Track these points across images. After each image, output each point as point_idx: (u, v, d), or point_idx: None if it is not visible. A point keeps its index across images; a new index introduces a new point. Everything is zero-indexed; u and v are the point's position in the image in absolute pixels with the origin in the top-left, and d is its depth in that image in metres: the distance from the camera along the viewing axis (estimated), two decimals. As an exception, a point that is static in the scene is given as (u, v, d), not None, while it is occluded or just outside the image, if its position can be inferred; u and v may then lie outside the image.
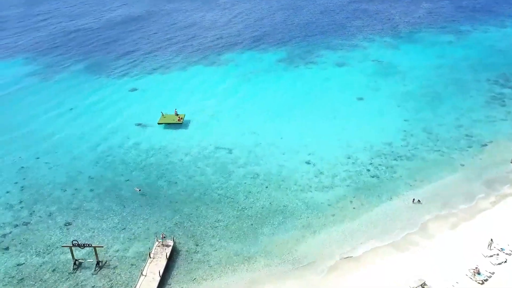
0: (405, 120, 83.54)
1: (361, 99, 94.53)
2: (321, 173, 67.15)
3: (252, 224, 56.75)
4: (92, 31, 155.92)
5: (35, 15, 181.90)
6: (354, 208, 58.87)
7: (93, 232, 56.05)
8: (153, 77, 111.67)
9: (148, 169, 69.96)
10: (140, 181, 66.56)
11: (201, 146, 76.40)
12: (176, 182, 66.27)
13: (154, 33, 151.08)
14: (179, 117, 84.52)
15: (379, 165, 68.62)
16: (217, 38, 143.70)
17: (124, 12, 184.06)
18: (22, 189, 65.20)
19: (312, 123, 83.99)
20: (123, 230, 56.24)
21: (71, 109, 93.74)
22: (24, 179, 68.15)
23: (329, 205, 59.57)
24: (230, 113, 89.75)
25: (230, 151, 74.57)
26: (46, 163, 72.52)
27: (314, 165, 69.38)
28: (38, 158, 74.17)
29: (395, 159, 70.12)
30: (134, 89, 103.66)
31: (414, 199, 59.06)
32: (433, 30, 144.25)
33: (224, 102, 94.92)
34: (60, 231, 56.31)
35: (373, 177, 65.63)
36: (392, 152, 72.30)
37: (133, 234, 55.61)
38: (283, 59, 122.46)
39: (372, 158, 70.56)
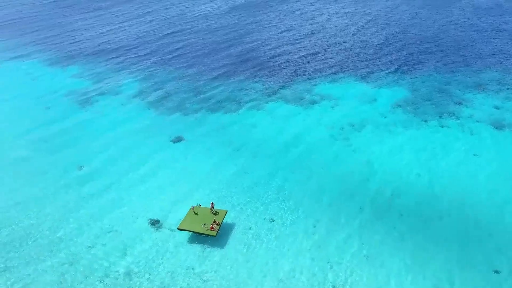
0: None
1: (543, 221, 52.18)
2: None
3: None
4: (181, 34, 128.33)
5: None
6: None
7: None
8: (212, 117, 79.22)
9: None
10: None
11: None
12: None
13: (241, 39, 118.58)
14: (214, 223, 50.87)
15: None
16: (322, 53, 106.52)
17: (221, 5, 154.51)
18: None
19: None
20: None
21: (81, 166, 65.37)
22: None
23: None
24: (298, 219, 53.87)
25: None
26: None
27: None
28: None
29: None
30: (180, 139, 72.23)
31: None
32: None
33: (296, 191, 58.97)
34: None
35: None
36: None
37: None
38: (404, 102, 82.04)
39: None
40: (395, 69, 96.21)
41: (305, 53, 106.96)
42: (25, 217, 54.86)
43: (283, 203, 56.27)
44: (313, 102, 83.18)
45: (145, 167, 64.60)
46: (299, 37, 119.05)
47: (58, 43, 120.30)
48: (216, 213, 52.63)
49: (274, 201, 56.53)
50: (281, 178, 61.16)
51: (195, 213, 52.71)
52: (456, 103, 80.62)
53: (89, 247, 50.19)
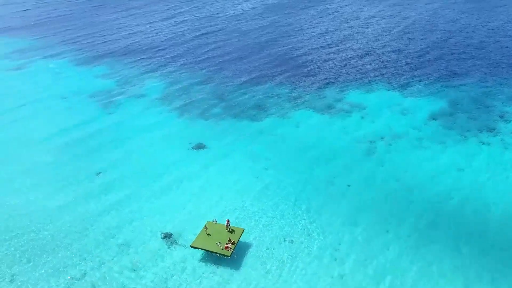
0: None
1: None
2: None
3: None
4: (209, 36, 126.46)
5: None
6: None
7: None
8: (235, 125, 76.48)
9: None
10: None
11: None
12: None
13: (272, 42, 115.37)
14: (229, 242, 47.90)
15: None
16: (356, 59, 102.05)
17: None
18: None
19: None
20: None
21: (99, 173, 63.78)
22: None
23: None
24: (322, 242, 50.12)
25: None
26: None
27: None
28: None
29: None
30: (201, 147, 69.75)
31: None
32: None
33: (320, 210, 55.23)
34: None
35: None
36: None
37: None
38: (440, 114, 76.92)
39: None
40: (433, 78, 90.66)
41: (337, 59, 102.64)
42: (41, 226, 53.39)
43: (305, 223, 52.74)
44: (343, 112, 79.14)
45: (164, 177, 62.31)
46: (332, 42, 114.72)
47: (88, 42, 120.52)
48: (232, 231, 49.71)
49: (296, 221, 53.07)
50: (305, 195, 57.52)
51: (209, 232, 49.74)
52: (499, 117, 74.78)
53: (102, 261, 48.23)
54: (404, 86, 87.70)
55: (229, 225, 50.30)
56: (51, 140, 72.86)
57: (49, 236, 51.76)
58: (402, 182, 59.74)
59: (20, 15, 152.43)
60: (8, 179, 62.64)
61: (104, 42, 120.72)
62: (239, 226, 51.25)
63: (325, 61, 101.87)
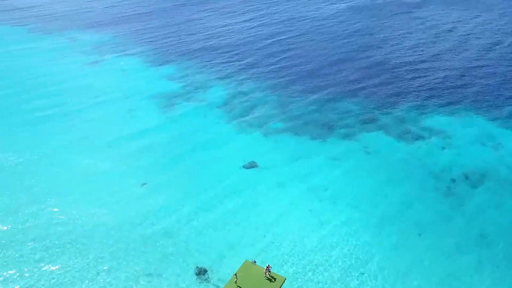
0: None
1: None
2: None
3: None
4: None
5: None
6: None
7: None
8: (294, 143, 69.08)
9: None
10: None
11: None
12: None
13: (352, 54, 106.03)
14: (265, 294, 40.77)
15: None
16: (446, 78, 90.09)
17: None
18: None
19: None
20: None
21: (144, 184, 59.29)
22: None
23: None
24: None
25: None
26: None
27: None
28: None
29: None
30: (253, 165, 63.01)
31: None
32: None
33: (382, 263, 46.09)
34: None
35: None
36: None
37: None
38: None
39: None
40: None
41: (426, 78, 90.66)
42: (80, 245, 49.54)
43: (363, 277, 43.91)
44: (420, 138, 68.67)
45: (212, 202, 55.71)
46: (422, 57, 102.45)
47: (164, 42, 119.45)
48: (272, 280, 42.39)
49: (351, 273, 44.39)
50: (372, 246, 48.11)
51: (245, 275, 42.80)
52: None
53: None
54: (504, 116, 74.43)
55: (269, 271, 42.99)
56: (109, 147, 69.60)
57: (88, 255, 47.77)
58: (490, 238, 48.39)
59: (106, 11, 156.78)
60: (63, 187, 59.68)
61: (179, 42, 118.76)
62: (278, 273, 43.81)
63: (411, 79, 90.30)
